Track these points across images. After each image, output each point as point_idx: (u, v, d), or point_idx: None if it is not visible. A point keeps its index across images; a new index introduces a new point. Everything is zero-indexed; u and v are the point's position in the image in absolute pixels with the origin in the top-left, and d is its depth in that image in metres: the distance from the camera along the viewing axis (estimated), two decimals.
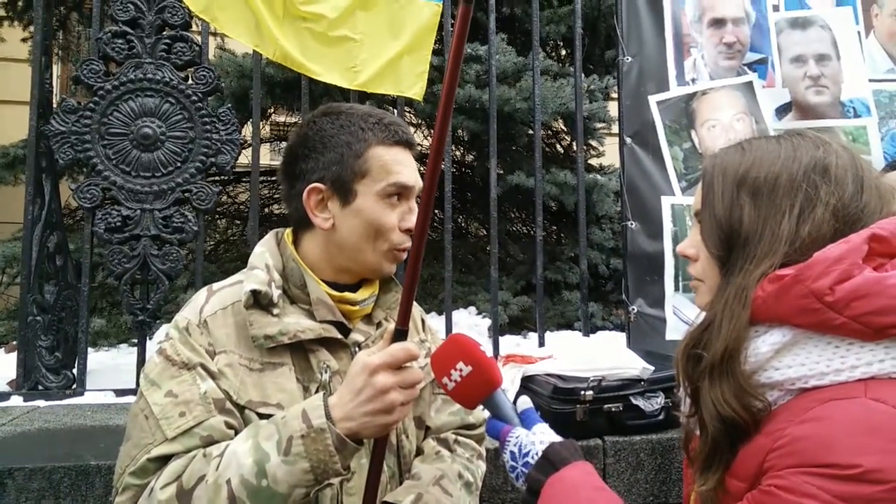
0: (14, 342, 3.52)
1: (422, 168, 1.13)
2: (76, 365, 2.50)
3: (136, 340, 3.70)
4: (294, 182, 1.23)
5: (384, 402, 1.00)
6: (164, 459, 1.04)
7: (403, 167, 1.22)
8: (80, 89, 4.71)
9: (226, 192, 4.92)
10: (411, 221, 1.20)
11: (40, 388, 2.45)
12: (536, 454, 0.98)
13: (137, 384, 2.44)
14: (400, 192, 1.20)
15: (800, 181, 0.87)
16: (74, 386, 2.47)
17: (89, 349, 2.58)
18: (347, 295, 1.22)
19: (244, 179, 5.16)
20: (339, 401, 1.02)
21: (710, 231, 0.93)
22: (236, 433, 1.07)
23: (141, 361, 2.51)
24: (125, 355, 3.53)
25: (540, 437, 1.01)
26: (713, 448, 0.86)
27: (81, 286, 2.55)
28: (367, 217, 1.18)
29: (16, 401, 2.36)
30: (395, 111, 3.04)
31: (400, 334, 1.06)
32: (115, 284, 4.26)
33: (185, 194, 2.57)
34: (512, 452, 1.02)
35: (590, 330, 2.97)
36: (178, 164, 2.58)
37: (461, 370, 1.03)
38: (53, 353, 2.52)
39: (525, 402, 1.09)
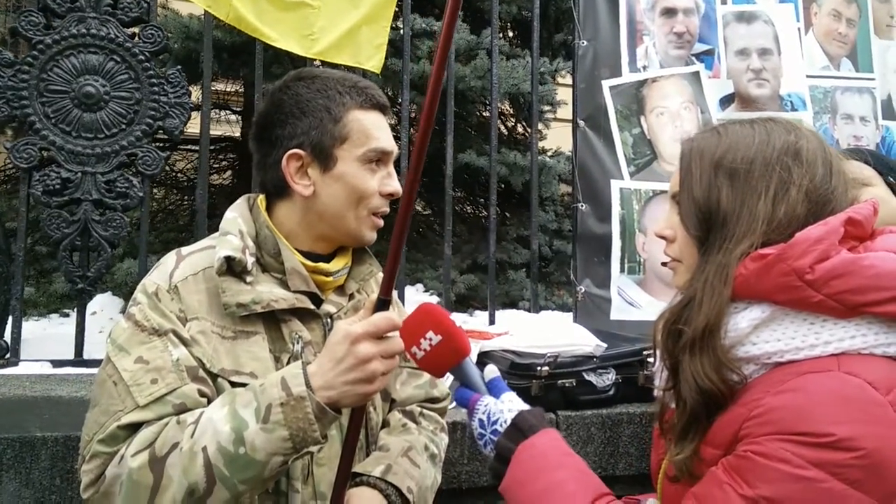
0: None
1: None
2: (10, 334, 2.37)
3: (66, 310, 3.56)
4: (269, 149, 1.20)
5: (365, 371, 1.00)
6: (135, 427, 1.02)
7: (382, 132, 1.21)
8: (14, 39, 4.42)
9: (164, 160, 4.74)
10: (391, 186, 1.20)
11: None
12: (505, 422, 1.01)
13: (76, 355, 2.38)
14: (380, 157, 1.20)
15: (774, 164, 0.92)
16: (8, 356, 2.35)
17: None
18: (322, 266, 1.21)
19: (182, 148, 4.99)
20: (318, 369, 1.01)
21: (688, 212, 0.96)
22: (209, 402, 1.06)
23: (81, 331, 2.41)
24: (56, 325, 3.39)
25: (508, 406, 1.03)
26: (691, 418, 0.90)
27: (16, 251, 2.41)
28: (349, 182, 1.17)
29: None
30: None
31: (382, 304, 1.06)
32: (44, 251, 4.07)
33: (130, 158, 2.46)
34: (481, 420, 1.04)
35: (537, 309, 3.03)
36: (123, 127, 2.46)
37: (430, 339, 1.04)
38: None
39: (492, 370, 1.11)
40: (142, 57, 2.48)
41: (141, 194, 2.48)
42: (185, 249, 1.20)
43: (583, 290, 2.89)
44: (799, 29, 3.23)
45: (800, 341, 0.86)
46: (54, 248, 2.42)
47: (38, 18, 2.39)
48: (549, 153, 4.94)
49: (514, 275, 4.02)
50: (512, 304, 3.91)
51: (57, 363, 2.37)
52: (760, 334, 0.88)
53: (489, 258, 2.84)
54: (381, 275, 1.18)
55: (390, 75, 3.52)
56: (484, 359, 2.01)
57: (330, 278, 1.23)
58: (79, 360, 2.37)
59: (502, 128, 5.47)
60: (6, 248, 2.54)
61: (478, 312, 3.55)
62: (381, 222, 1.23)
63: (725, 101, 3.17)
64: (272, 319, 1.16)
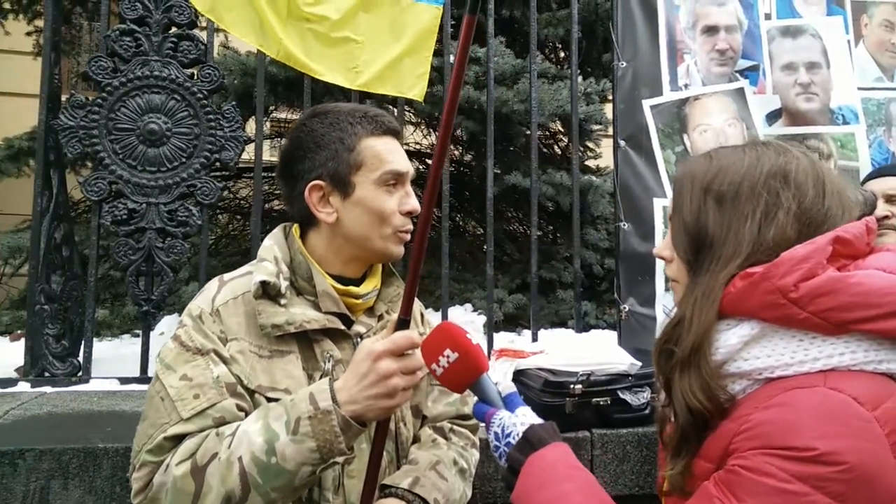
0: (18, 331, 3.59)
1: (421, 167, 1.21)
2: (81, 353, 2.57)
3: (137, 331, 3.77)
4: (294, 184, 1.30)
5: (386, 386, 1.08)
6: (179, 438, 1.12)
7: (395, 155, 1.29)
8: (84, 82, 4.76)
9: (227, 188, 4.98)
10: (410, 204, 1.28)
11: (47, 374, 2.51)
12: (517, 435, 1.06)
13: (142, 372, 2.55)
14: (395, 179, 1.28)
15: (761, 187, 0.94)
16: (80, 373, 2.54)
17: (93, 339, 2.64)
18: (352, 289, 1.29)
19: (245, 175, 5.22)
20: (344, 385, 1.10)
21: (678, 235, 1.00)
22: (246, 415, 1.15)
23: (145, 350, 2.58)
24: (127, 345, 3.60)
25: (521, 420, 1.08)
26: (682, 436, 0.94)
27: (88, 277, 2.61)
28: (369, 205, 1.25)
29: (23, 387, 2.43)
30: (396, 111, 3.11)
31: (402, 323, 1.13)
32: (118, 276, 4.33)
33: (190, 189, 2.64)
34: (496, 433, 1.09)
35: (583, 328, 3.04)
36: (183, 160, 2.64)
37: (448, 356, 1.10)
38: (60, 341, 2.58)
39: (509, 386, 1.17)
40: (200, 95, 2.66)
41: (199, 222, 2.65)
42: (227, 276, 1.30)
43: (627, 308, 2.90)
44: (849, 41, 3.17)
45: (789, 357, 0.88)
46: (123, 273, 2.61)
47: (106, 63, 2.60)
48: (598, 172, 4.94)
49: (564, 294, 4.04)
50: (562, 324, 3.91)
51: (124, 380, 2.55)
52: (751, 350, 0.91)
53: (532, 277, 2.89)
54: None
55: (437, 101, 3.63)
56: (519, 377, 2.06)
57: (360, 300, 1.31)
58: (144, 378, 2.54)
59: (556, 147, 5.52)
60: (83, 274, 2.76)
61: (525, 332, 3.59)
62: (406, 237, 1.30)
63: (772, 117, 3.14)
64: (305, 339, 1.25)
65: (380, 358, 1.08)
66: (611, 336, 2.94)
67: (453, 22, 3.11)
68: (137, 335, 3.77)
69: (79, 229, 3.53)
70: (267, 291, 1.22)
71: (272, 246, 1.29)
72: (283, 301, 1.23)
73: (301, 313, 1.23)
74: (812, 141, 3.06)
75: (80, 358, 2.57)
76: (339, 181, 1.25)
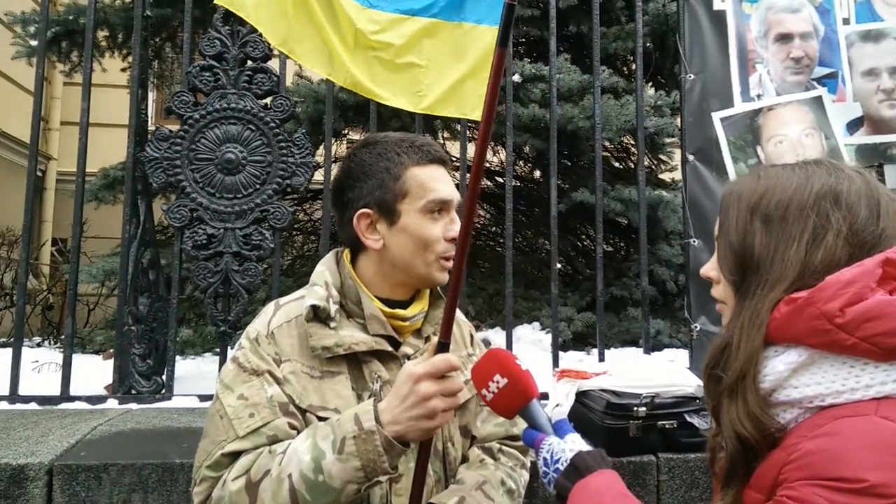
0: (111, 350, 3.83)
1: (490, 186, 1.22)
2: (165, 371, 2.72)
3: (219, 350, 3.96)
4: (344, 211, 1.35)
5: (426, 408, 1.10)
6: (236, 455, 1.18)
7: (439, 183, 1.32)
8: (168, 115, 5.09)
9: (302, 210, 5.16)
10: (455, 230, 1.29)
11: (133, 392, 2.68)
12: (566, 461, 1.05)
13: None
14: (440, 207, 1.30)
15: (810, 208, 0.91)
16: (164, 391, 2.69)
17: (177, 357, 2.80)
18: (398, 311, 1.33)
19: (320, 197, 5.40)
20: (387, 406, 1.13)
21: (725, 256, 0.97)
22: (298, 433, 1.20)
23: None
24: (209, 363, 3.78)
25: (570, 446, 1.07)
26: (732, 465, 0.91)
27: (171, 299, 2.77)
28: (414, 233, 1.29)
29: (111, 403, 2.60)
30: (459, 131, 3.16)
31: (442, 346, 1.16)
32: (201, 297, 4.58)
33: (263, 214, 2.76)
34: (545, 459, 1.09)
35: (653, 347, 2.97)
36: (258, 186, 2.77)
37: (498, 382, 1.11)
38: (145, 360, 2.75)
39: (559, 413, 1.17)
40: (273, 124, 2.80)
41: (272, 245, 2.76)
42: (282, 300, 1.37)
43: (698, 327, 2.81)
44: None
45: (840, 385, 0.85)
46: (203, 295, 2.75)
47: (187, 97, 2.77)
48: (673, 185, 4.82)
49: (635, 311, 3.95)
50: (633, 342, 3.83)
51: (203, 398, 2.68)
52: (800, 378, 0.88)
53: (598, 295, 2.85)
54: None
55: (502, 121, 3.65)
56: (582, 398, 2.03)
57: (407, 323, 1.34)
58: None
59: (629, 162, 5.43)
60: (167, 296, 2.93)
61: (594, 350, 3.53)
62: (450, 264, 1.32)
63: (854, 125, 2.99)
64: (355, 361, 1.29)
65: (420, 380, 1.10)
66: (682, 356, 2.86)
67: (516, 41, 3.13)
68: (218, 353, 3.97)
69: (165, 253, 3.75)
70: (318, 315, 1.27)
71: (324, 271, 1.34)
72: (332, 324, 1.27)
73: (350, 336, 1.27)
74: None
75: (164, 376, 2.73)
76: (386, 209, 1.30)
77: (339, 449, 1.10)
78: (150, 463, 1.86)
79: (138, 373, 2.70)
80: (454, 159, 3.42)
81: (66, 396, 2.62)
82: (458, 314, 1.40)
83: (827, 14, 3.00)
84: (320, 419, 1.22)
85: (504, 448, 1.46)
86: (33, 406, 2.57)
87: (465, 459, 1.41)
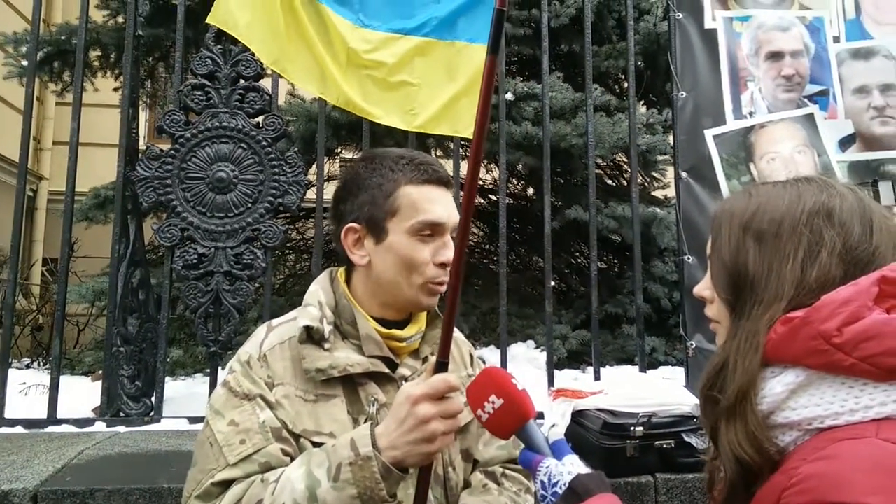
0: (100, 371, 3.78)
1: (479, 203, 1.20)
2: (154, 393, 2.68)
3: (209, 370, 3.91)
4: (337, 224, 1.32)
5: (426, 431, 1.06)
6: (227, 484, 1.13)
7: (433, 204, 1.26)
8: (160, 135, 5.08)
9: (295, 228, 5.13)
10: (446, 255, 1.25)
11: (122, 414, 2.63)
12: (564, 484, 1.02)
13: None
14: (430, 229, 1.25)
15: (803, 225, 0.89)
16: (153, 413, 2.64)
17: (168, 378, 2.76)
18: (395, 332, 1.29)
19: (313, 216, 5.37)
20: (384, 430, 1.09)
21: (718, 275, 0.96)
22: (292, 460, 1.16)
23: (213, 390, 2.66)
24: (200, 384, 3.72)
25: (568, 468, 1.04)
26: (731, 489, 0.89)
27: (161, 319, 2.74)
28: (399, 253, 1.25)
29: (99, 426, 2.55)
30: (452, 149, 3.15)
31: (441, 366, 1.12)
32: (192, 317, 4.53)
33: (255, 232, 2.74)
34: (542, 482, 1.05)
35: (648, 365, 2.95)
36: (249, 205, 2.75)
37: (493, 402, 1.08)
38: (134, 381, 2.70)
39: (556, 433, 1.14)
40: (265, 143, 2.78)
41: (264, 265, 2.74)
42: (274, 321, 1.33)
43: (693, 345, 2.79)
44: None
45: (839, 406, 0.83)
46: (193, 315, 2.72)
47: (179, 116, 2.76)
48: (666, 202, 4.83)
49: (630, 329, 3.93)
50: (628, 360, 3.81)
51: (193, 420, 2.63)
52: (799, 399, 0.86)
53: (593, 314, 2.83)
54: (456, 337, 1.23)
55: (493, 138, 3.65)
56: (578, 418, 2.01)
57: (404, 343, 1.31)
58: None
59: (622, 179, 5.44)
60: (157, 317, 2.89)
61: (590, 369, 3.50)
62: (440, 289, 1.28)
63: (846, 142, 3.00)
64: (350, 383, 1.25)
65: (418, 402, 1.07)
66: (678, 373, 2.84)
67: (508, 60, 3.14)
68: (209, 374, 3.92)
69: (156, 273, 3.71)
70: (311, 336, 1.24)
71: (317, 290, 1.31)
72: (326, 345, 1.24)
73: (345, 357, 1.24)
74: (890, 166, 2.90)
75: (154, 398, 2.68)
76: (374, 225, 1.27)
77: (335, 476, 1.07)
78: (137, 488, 1.81)
79: (127, 395, 2.65)
80: None
81: (52, 419, 2.56)
82: (457, 333, 1.37)
83: (817, 32, 3.03)
84: (315, 444, 1.18)
85: (507, 472, 1.42)
86: (19, 430, 2.52)
87: (467, 485, 1.37)
